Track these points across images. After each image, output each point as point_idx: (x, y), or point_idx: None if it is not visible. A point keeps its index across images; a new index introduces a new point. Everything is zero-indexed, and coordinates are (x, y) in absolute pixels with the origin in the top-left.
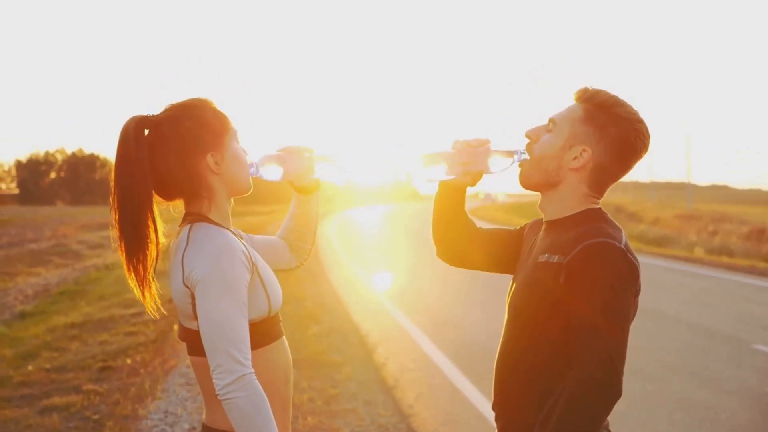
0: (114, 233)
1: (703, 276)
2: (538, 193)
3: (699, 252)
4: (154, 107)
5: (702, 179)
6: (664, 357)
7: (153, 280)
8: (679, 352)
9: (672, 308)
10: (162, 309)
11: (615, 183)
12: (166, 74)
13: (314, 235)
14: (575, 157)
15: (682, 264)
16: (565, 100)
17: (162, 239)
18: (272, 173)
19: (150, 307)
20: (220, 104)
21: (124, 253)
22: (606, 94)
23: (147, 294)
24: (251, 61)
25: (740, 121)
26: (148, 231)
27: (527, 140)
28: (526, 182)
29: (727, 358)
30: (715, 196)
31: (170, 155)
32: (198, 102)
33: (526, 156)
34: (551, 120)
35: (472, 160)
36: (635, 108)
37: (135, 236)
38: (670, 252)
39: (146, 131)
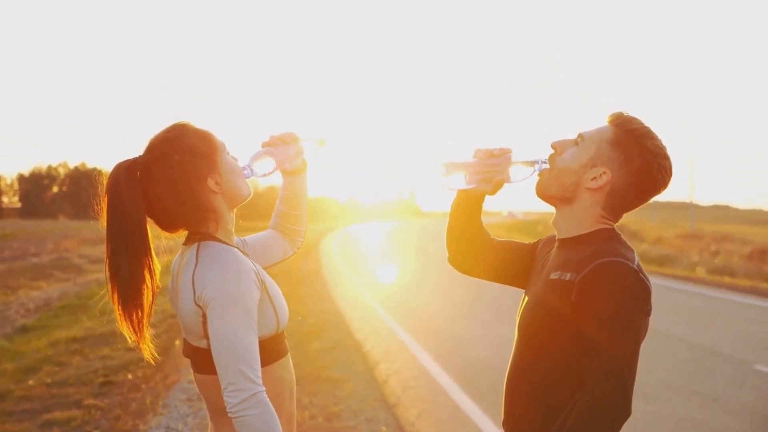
0: (107, 283)
1: (705, 296)
2: (553, 209)
3: (701, 272)
4: (155, 111)
5: (704, 199)
6: (665, 377)
7: (148, 326)
8: (680, 372)
9: (673, 328)
10: (156, 355)
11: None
12: (166, 74)
13: (305, 217)
14: (594, 178)
15: (683, 284)
16: (569, 104)
17: (158, 282)
18: (265, 168)
19: (147, 354)
20: (200, 121)
21: (118, 303)
22: (639, 123)
23: (143, 341)
24: (251, 61)
25: (743, 142)
26: (145, 276)
27: (552, 150)
28: (542, 193)
29: (729, 379)
30: (717, 216)
31: (169, 193)
32: (179, 130)
33: (547, 165)
34: (580, 135)
35: (494, 169)
36: (664, 143)
37: (131, 284)
38: (671, 271)
39: (137, 174)
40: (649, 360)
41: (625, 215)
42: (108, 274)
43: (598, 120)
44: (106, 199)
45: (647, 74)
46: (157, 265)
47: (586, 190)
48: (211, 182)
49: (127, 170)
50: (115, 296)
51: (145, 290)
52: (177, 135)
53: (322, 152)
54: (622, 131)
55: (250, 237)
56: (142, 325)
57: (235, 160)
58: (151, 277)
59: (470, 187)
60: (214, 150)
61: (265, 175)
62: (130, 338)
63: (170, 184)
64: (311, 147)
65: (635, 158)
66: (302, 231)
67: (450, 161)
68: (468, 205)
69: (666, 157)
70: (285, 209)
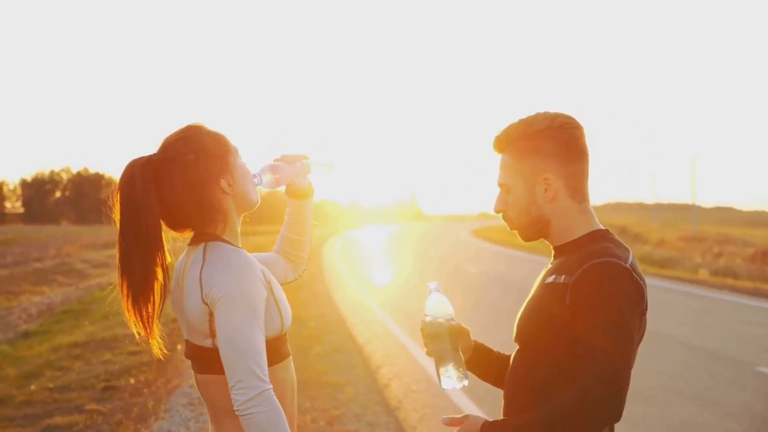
0: (117, 278)
1: (707, 298)
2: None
3: (703, 274)
4: (158, 114)
5: (707, 201)
6: (666, 379)
7: (158, 321)
8: (682, 374)
9: (675, 330)
10: (164, 350)
11: (589, 180)
12: (167, 79)
13: (309, 243)
14: (546, 189)
15: (686, 286)
16: (568, 103)
17: (168, 274)
18: (272, 179)
19: (157, 350)
20: (214, 124)
21: (128, 298)
22: (512, 126)
23: (152, 336)
24: (254, 62)
25: (745, 143)
26: (157, 273)
27: (500, 215)
28: (528, 239)
29: (731, 381)
30: (720, 218)
31: (182, 192)
32: (194, 131)
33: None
34: (501, 185)
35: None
36: (542, 112)
37: (143, 281)
38: (674, 273)
39: (151, 172)
40: (650, 362)
41: (626, 218)
42: (119, 269)
43: (491, 159)
44: (119, 195)
45: (648, 74)
46: (170, 261)
47: (549, 204)
48: (223, 183)
49: (142, 167)
50: (125, 291)
51: (157, 286)
52: (192, 135)
53: (330, 177)
54: (512, 144)
55: (254, 255)
56: (152, 321)
57: (245, 165)
58: (164, 274)
59: (465, 383)
60: (228, 152)
61: (271, 186)
62: (138, 333)
63: (184, 183)
64: (320, 171)
65: (543, 145)
66: (305, 258)
67: (437, 371)
68: (482, 363)
69: (554, 116)
70: (289, 235)
